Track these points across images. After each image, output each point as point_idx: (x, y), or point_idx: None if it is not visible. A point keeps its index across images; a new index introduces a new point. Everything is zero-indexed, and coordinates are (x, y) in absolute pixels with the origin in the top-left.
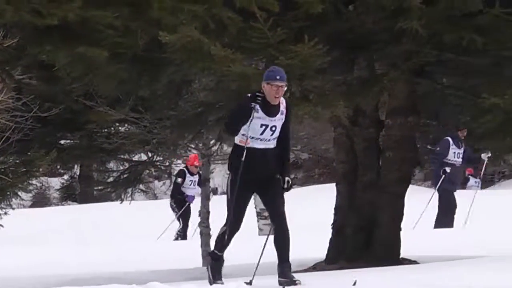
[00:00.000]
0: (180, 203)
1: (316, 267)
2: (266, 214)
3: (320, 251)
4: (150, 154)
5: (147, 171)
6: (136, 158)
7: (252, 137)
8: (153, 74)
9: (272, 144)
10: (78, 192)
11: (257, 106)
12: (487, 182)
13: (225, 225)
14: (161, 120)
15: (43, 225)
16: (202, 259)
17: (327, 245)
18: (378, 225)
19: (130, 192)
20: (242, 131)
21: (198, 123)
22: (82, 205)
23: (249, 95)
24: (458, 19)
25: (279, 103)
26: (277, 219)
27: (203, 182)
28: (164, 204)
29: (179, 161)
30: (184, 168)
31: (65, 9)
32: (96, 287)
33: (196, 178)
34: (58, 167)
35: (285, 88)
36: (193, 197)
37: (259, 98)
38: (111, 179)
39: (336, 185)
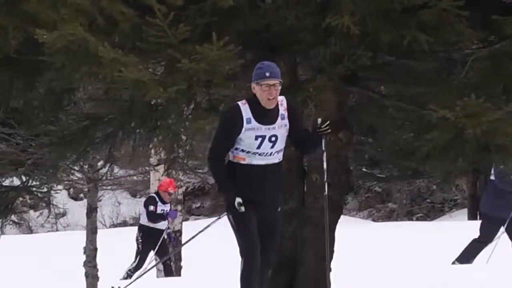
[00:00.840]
0: (150, 238)
1: None
2: None
3: None
4: (24, 178)
5: (21, 198)
6: (7, 182)
7: (248, 152)
8: (28, 80)
9: (276, 159)
10: None
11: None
12: (435, 211)
13: (242, 260)
14: (38, 136)
15: None
16: None
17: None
18: (302, 263)
19: None
20: (235, 144)
21: (83, 140)
22: None
23: (238, 103)
24: (398, 14)
25: (277, 106)
26: (269, 262)
27: (89, 212)
28: (43, 239)
29: (59, 187)
30: (155, 195)
31: None
32: None
33: (167, 207)
34: None
35: (280, 87)
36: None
37: (250, 108)
38: None
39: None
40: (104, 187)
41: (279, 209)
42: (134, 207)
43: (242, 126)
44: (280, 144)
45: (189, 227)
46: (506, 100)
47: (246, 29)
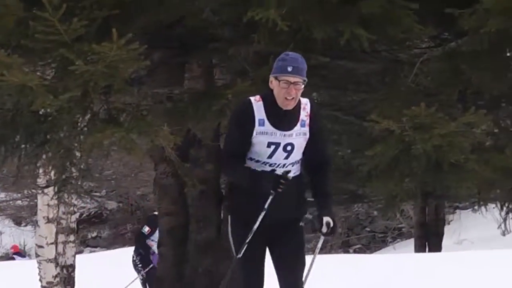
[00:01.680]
0: (146, 261)
1: None
2: None
3: None
4: None
5: None
6: None
7: (258, 161)
8: None
9: (291, 171)
10: None
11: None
12: (376, 242)
13: None
14: None
15: None
16: None
17: None
18: None
19: None
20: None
21: None
22: None
23: (251, 98)
24: (333, 6)
25: (297, 109)
26: None
27: None
28: None
29: None
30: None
31: None
32: None
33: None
34: None
35: (303, 86)
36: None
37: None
38: None
39: (158, 247)
40: None
41: (300, 224)
42: (19, 237)
43: (253, 128)
44: (296, 155)
45: (84, 261)
46: (462, 109)
47: (153, 24)
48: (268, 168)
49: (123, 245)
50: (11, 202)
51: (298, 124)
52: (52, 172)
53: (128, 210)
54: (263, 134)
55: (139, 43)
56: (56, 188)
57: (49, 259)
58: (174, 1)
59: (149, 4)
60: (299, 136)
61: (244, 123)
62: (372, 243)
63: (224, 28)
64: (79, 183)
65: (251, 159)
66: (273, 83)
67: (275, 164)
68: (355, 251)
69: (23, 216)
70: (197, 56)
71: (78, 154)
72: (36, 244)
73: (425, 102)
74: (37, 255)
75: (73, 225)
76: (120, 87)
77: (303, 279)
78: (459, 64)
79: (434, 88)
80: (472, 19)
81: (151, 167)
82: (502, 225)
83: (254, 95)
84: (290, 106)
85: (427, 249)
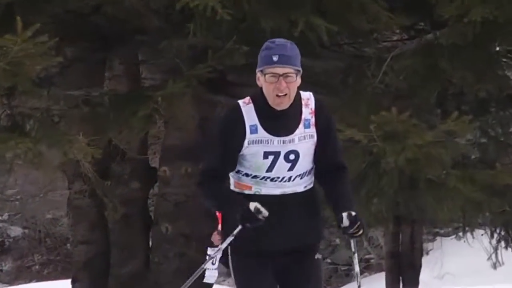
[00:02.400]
0: None
1: None
2: None
3: None
4: None
5: None
6: None
7: (256, 177)
8: None
9: (299, 185)
10: None
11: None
12: (338, 276)
13: None
14: None
15: None
16: None
17: None
18: None
19: None
20: (237, 165)
21: None
22: None
23: (239, 102)
24: None
25: (297, 107)
26: None
27: None
28: None
29: None
30: None
31: None
32: None
33: None
34: None
35: (296, 78)
36: None
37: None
38: None
39: (72, 282)
40: None
41: (316, 257)
42: None
43: (244, 137)
44: (303, 165)
45: None
46: (442, 114)
47: (66, 12)
48: (269, 185)
49: (29, 280)
50: None
51: (301, 126)
52: None
53: (35, 237)
54: (257, 144)
55: (49, 36)
56: None
57: None
58: None
59: None
60: (304, 141)
61: (232, 134)
62: (334, 277)
63: (153, 17)
64: None
65: (247, 175)
66: (260, 79)
67: (278, 178)
68: None
69: None
70: (119, 51)
71: None
72: None
73: (396, 107)
74: None
75: None
76: (25, 88)
77: None
78: (437, 60)
79: (408, 89)
80: (452, 6)
81: (64, 185)
82: (493, 256)
83: (183, 97)
84: (284, 104)
85: (401, 285)
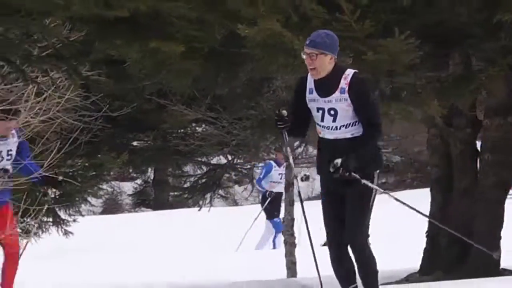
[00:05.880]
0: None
1: (409, 278)
2: None
3: (412, 262)
4: (229, 157)
5: (227, 175)
6: (214, 161)
7: (318, 125)
8: (231, 70)
9: (346, 133)
10: (152, 198)
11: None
12: None
13: None
14: (241, 120)
15: (115, 233)
16: (286, 270)
17: (421, 255)
18: (475, 235)
19: (208, 198)
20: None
21: None
22: (156, 211)
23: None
24: None
25: (339, 78)
26: (352, 248)
27: (287, 187)
28: (246, 210)
29: (260, 164)
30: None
31: (136, 1)
32: None
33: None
34: (130, 170)
35: (322, 58)
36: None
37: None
38: (187, 184)
39: (430, 190)
40: (300, 165)
41: (362, 183)
42: None
43: (305, 96)
44: (344, 119)
45: None
46: None
47: (423, 24)
48: (326, 131)
49: (405, 188)
50: None
51: (337, 91)
52: None
53: (407, 163)
54: (312, 101)
55: (414, 39)
56: None
57: None
58: (438, 8)
59: (420, 10)
60: (339, 102)
61: (298, 90)
62: None
63: (477, 28)
64: None
65: (317, 124)
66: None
67: (329, 127)
68: None
69: None
70: (457, 48)
71: None
72: None
73: None
74: None
75: None
76: (400, 71)
77: (361, 228)
78: None
79: None
80: None
81: (424, 130)
82: None
83: (508, 79)
84: (315, 75)
85: None
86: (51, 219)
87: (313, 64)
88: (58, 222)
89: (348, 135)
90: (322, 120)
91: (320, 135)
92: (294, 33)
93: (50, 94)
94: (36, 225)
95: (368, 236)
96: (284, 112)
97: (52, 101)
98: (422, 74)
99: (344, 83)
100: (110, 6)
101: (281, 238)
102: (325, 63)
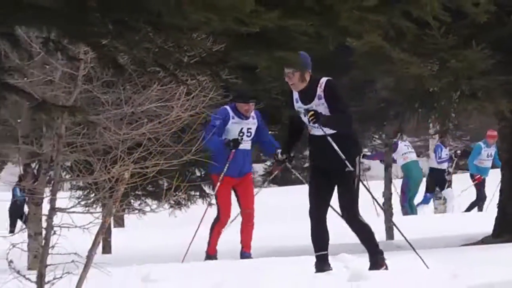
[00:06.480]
0: None
1: (484, 240)
2: None
3: (487, 227)
4: None
5: None
6: None
7: (308, 126)
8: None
9: (329, 130)
10: (280, 177)
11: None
12: None
13: None
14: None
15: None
16: (385, 233)
17: (494, 221)
18: None
19: None
20: None
21: (380, 117)
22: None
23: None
24: None
25: (315, 87)
26: (347, 220)
27: (386, 168)
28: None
29: (365, 150)
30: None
31: (265, 19)
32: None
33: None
34: (261, 154)
35: (295, 74)
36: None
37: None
38: (306, 164)
39: (501, 170)
40: None
41: (346, 170)
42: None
43: (293, 104)
44: None
45: None
46: None
47: (496, 37)
48: (314, 129)
49: None
50: (413, 143)
51: (316, 98)
52: (438, 125)
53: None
54: (299, 108)
55: (488, 49)
56: (439, 135)
57: None
58: (508, 25)
59: (493, 26)
60: (319, 106)
61: (291, 99)
62: None
63: None
64: (454, 132)
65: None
66: None
67: (314, 126)
68: None
69: (420, 151)
70: None
71: (453, 115)
72: None
73: None
74: None
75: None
76: (476, 76)
77: (351, 204)
78: None
79: None
80: None
81: (496, 122)
82: None
83: None
84: (295, 89)
85: None
86: (198, 193)
87: (291, 80)
88: (203, 195)
89: (331, 132)
90: (309, 122)
91: (311, 133)
92: (392, 45)
93: (197, 94)
94: (185, 197)
95: (358, 210)
96: (281, 157)
97: (198, 99)
98: (494, 78)
99: (320, 90)
100: (244, 23)
101: (423, 207)
102: (302, 78)
